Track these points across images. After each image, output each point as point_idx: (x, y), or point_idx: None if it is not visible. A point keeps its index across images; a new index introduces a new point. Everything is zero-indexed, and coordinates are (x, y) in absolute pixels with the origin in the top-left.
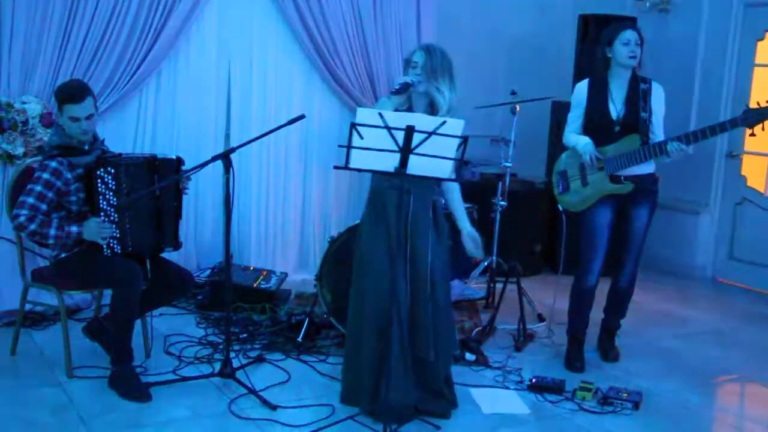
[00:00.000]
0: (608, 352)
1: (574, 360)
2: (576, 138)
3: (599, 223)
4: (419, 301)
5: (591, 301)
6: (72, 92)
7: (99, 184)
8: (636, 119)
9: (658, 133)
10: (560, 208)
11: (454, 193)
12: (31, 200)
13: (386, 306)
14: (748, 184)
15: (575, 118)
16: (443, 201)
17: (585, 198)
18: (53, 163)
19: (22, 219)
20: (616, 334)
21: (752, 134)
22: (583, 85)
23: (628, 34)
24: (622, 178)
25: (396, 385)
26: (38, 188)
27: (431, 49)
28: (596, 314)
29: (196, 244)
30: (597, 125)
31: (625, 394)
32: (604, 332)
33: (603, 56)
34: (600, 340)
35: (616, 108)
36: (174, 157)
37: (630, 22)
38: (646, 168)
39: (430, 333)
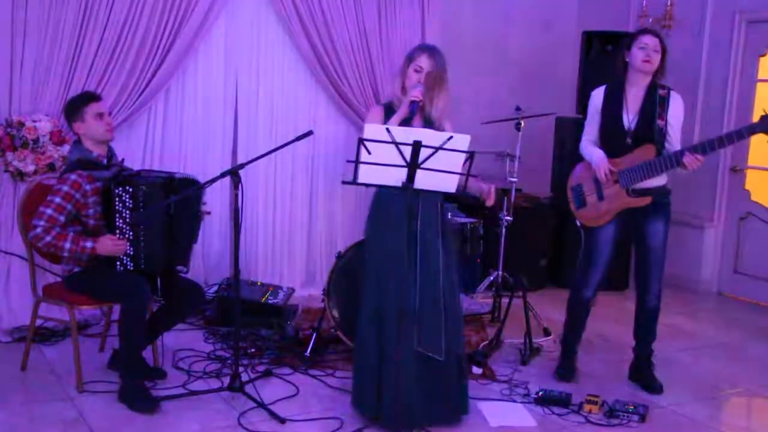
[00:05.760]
0: (652, 382)
1: (564, 369)
2: (591, 150)
3: (604, 238)
4: (430, 302)
5: (587, 313)
6: (88, 93)
7: (116, 203)
8: (650, 130)
9: (674, 144)
10: (578, 223)
11: None
12: (49, 211)
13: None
14: (752, 198)
15: (591, 125)
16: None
17: (602, 213)
18: (73, 176)
19: (38, 230)
20: (653, 361)
21: None
22: (599, 92)
23: (646, 39)
24: (638, 191)
25: (395, 394)
26: (57, 200)
27: (435, 53)
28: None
29: (203, 260)
30: (609, 135)
31: (632, 407)
32: (641, 360)
33: (622, 60)
34: (638, 371)
35: (628, 118)
36: (192, 177)
37: (654, 31)
38: (660, 180)
39: (441, 334)
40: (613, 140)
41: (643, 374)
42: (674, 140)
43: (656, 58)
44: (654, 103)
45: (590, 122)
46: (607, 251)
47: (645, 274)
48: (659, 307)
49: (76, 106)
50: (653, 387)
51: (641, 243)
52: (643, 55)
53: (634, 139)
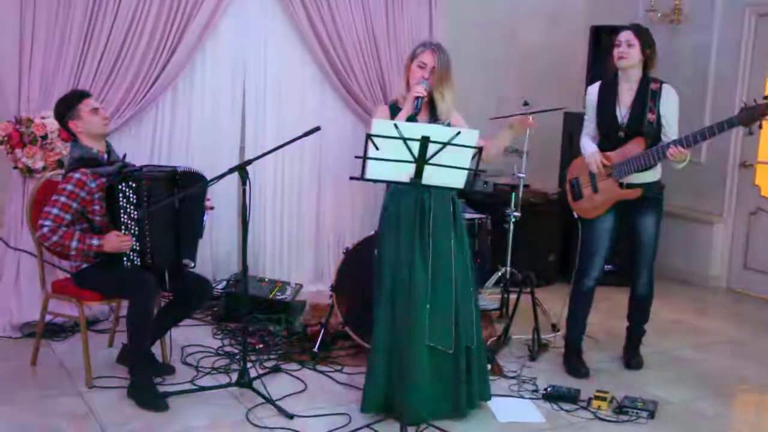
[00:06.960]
0: (631, 359)
1: (578, 366)
2: (586, 144)
3: (602, 228)
4: (442, 297)
5: (590, 304)
6: (78, 91)
7: (120, 198)
8: (640, 123)
9: (672, 136)
10: (575, 215)
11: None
12: (55, 211)
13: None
14: (762, 193)
15: (589, 121)
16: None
17: (597, 205)
18: (77, 174)
19: (45, 230)
20: (641, 341)
21: (750, 133)
22: (594, 88)
23: (620, 36)
24: (632, 184)
25: (408, 387)
26: (63, 199)
27: (439, 49)
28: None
29: (211, 256)
30: (604, 130)
31: (641, 403)
32: (630, 340)
33: (611, 58)
34: (625, 348)
35: (621, 113)
36: (195, 170)
37: (632, 25)
38: (653, 176)
39: (451, 328)
40: (608, 134)
41: (627, 350)
42: (671, 132)
43: (631, 52)
44: (645, 98)
45: (588, 118)
46: (605, 241)
47: (637, 265)
48: (651, 295)
49: (70, 105)
50: (632, 363)
51: (634, 235)
52: (617, 52)
53: (626, 133)
